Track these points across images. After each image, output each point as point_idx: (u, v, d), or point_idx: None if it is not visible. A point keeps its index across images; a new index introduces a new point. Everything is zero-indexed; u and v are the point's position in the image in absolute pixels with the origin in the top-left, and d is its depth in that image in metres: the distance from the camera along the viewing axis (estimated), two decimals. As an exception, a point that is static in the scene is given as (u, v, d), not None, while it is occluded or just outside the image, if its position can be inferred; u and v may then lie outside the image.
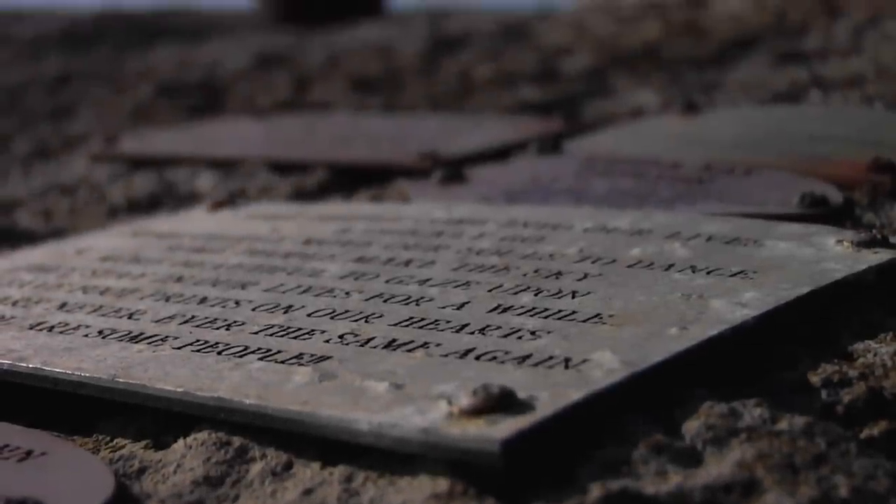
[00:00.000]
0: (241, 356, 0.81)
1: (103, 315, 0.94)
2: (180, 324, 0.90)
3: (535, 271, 0.92)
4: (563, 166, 1.39)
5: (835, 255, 0.89)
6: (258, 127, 2.04)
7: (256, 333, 0.85)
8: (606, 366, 0.71)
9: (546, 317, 0.81)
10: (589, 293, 0.86)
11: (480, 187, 1.31)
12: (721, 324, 0.77)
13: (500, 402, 0.66)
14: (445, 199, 1.25)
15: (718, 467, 0.63)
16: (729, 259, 0.90)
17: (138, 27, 3.95)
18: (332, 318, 0.87)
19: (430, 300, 0.88)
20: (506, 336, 0.78)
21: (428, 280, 0.93)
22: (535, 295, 0.86)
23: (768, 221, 1.00)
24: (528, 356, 0.74)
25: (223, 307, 0.92)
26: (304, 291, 0.94)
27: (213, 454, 0.73)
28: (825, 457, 0.64)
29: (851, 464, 0.63)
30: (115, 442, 0.79)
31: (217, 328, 0.87)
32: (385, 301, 0.89)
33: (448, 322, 0.82)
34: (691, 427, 0.67)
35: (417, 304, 0.87)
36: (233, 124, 2.13)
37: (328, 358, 0.78)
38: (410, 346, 0.79)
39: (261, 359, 0.80)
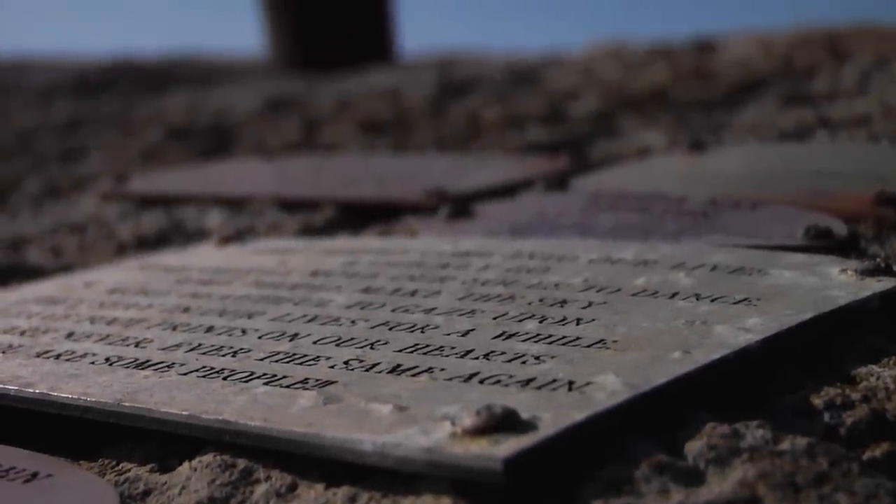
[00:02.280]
0: (246, 381, 0.81)
1: (110, 343, 0.95)
2: (187, 351, 0.90)
3: (540, 300, 0.93)
4: (569, 202, 1.39)
5: (838, 283, 0.90)
6: (267, 167, 2.05)
7: (262, 360, 0.86)
8: (609, 388, 0.72)
9: (550, 343, 0.82)
10: (593, 320, 0.86)
11: (487, 222, 1.32)
12: (724, 348, 0.77)
13: (504, 422, 0.66)
14: (452, 234, 1.25)
15: (720, 486, 0.64)
16: (733, 287, 0.91)
17: (149, 76, 3.97)
18: (337, 345, 0.87)
19: (436, 328, 0.89)
20: (510, 361, 0.79)
21: (433, 309, 0.94)
22: (540, 322, 0.87)
23: (773, 252, 1.01)
24: (532, 379, 0.74)
25: (229, 335, 0.93)
26: (311, 320, 0.95)
27: (217, 476, 0.73)
28: (827, 476, 0.64)
29: (853, 483, 0.63)
30: (120, 466, 0.79)
31: (223, 355, 0.88)
32: (390, 329, 0.90)
33: (453, 348, 0.83)
34: (693, 447, 0.67)
35: (423, 332, 0.88)
36: (241, 165, 2.14)
37: (333, 382, 0.79)
38: (415, 371, 0.79)
39: (266, 383, 0.80)
